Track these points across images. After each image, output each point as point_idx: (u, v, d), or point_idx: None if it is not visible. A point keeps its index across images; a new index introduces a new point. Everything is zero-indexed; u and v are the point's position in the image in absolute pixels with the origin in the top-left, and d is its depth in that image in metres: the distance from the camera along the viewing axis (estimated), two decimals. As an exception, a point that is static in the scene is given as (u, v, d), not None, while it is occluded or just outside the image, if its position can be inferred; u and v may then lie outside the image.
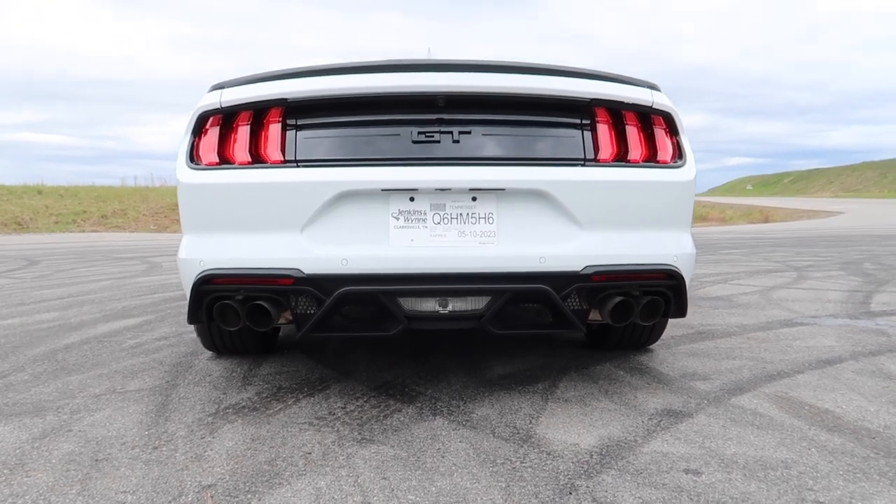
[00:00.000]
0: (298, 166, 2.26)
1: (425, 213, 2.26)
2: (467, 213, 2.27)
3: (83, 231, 20.63)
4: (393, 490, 1.74)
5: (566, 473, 1.84)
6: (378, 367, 2.97)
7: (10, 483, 1.80)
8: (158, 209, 25.06)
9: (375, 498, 1.69)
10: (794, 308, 4.59)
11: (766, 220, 23.92)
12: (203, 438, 2.12)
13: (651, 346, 3.36)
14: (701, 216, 34.81)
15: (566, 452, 1.99)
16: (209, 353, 3.26)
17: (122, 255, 10.17)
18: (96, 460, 1.95)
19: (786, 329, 3.86)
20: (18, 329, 4.00)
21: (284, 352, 3.29)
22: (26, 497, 1.71)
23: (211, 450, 2.02)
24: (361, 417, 2.32)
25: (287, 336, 3.69)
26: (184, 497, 1.70)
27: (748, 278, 6.34)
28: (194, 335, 3.68)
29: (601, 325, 3.25)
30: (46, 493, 1.74)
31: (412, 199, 2.26)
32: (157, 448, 2.04)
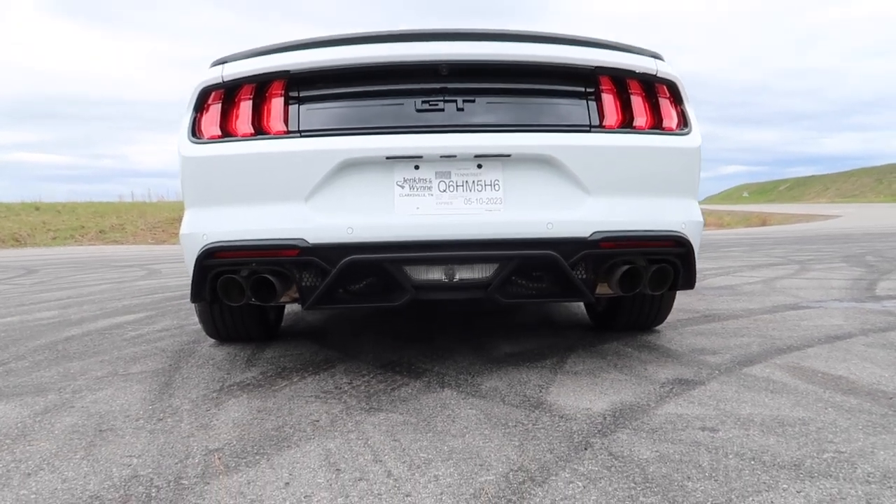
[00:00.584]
0: (302, 136, 2.24)
1: (430, 181, 2.23)
2: (473, 181, 2.24)
3: (81, 245, 20.58)
4: (405, 450, 1.70)
5: (580, 433, 1.80)
6: (383, 349, 2.93)
7: (13, 451, 1.76)
8: (156, 223, 25.01)
9: (387, 456, 1.65)
10: (799, 294, 4.56)
11: (764, 224, 23.94)
12: (208, 411, 2.08)
13: (657, 328, 3.33)
14: (699, 223, 34.86)
15: (579, 415, 1.96)
16: (212, 341, 3.22)
17: (121, 263, 10.13)
18: (100, 430, 1.91)
19: (792, 311, 3.84)
20: (18, 325, 3.96)
21: (288, 338, 3.25)
22: (29, 462, 1.67)
23: (217, 420, 1.98)
24: (368, 391, 2.28)
25: (290, 324, 3.65)
26: (190, 459, 1.66)
27: (751, 271, 6.32)
28: (197, 326, 3.64)
29: (607, 305, 3.23)
30: (50, 458, 1.70)
31: (417, 168, 2.23)
32: (161, 420, 2.00)
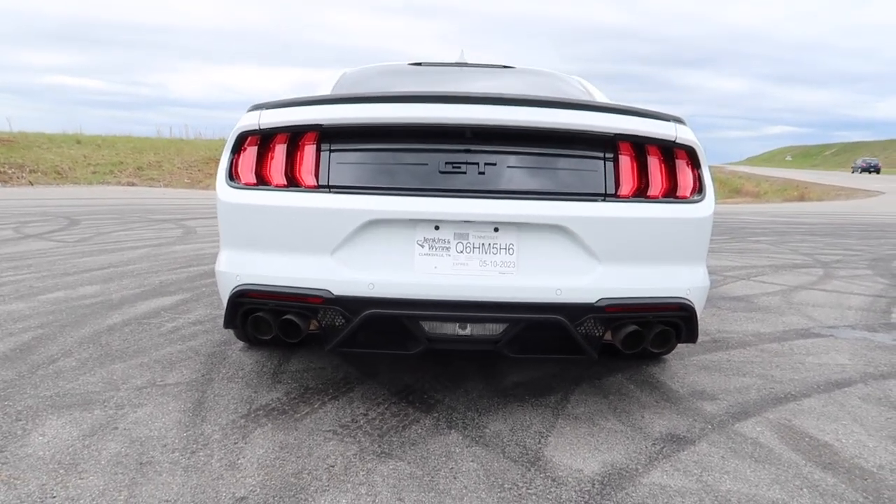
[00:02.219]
0: (331, 192, 2.38)
1: (449, 242, 2.37)
2: (489, 244, 2.37)
3: (120, 183, 21.11)
4: (407, 513, 1.91)
5: (568, 503, 1.98)
6: (400, 369, 3.13)
7: (66, 485, 2.00)
8: (192, 163, 25.47)
9: (391, 521, 1.86)
10: (814, 316, 4.63)
11: (802, 199, 23.46)
12: (236, 444, 2.31)
13: (665, 356, 3.47)
14: (735, 188, 34.19)
15: (570, 479, 2.14)
16: (241, 343, 3.46)
17: (158, 215, 10.47)
18: (141, 464, 2.15)
19: (801, 341, 3.93)
20: (64, 304, 4.24)
21: (312, 346, 3.46)
22: (80, 502, 1.91)
23: (243, 458, 2.21)
24: (382, 426, 2.49)
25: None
26: (219, 509, 1.89)
27: (772, 274, 6.35)
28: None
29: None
30: (98, 498, 1.94)
31: (437, 228, 2.37)
32: (194, 453, 2.23)
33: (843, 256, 7.85)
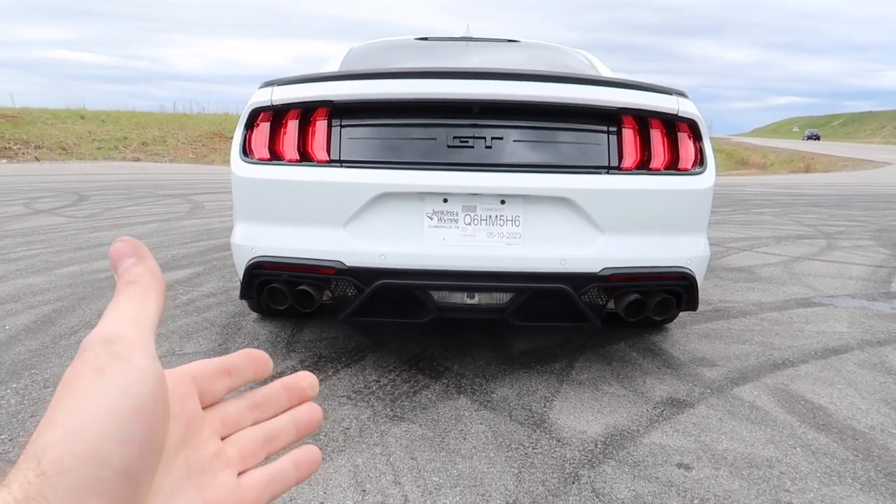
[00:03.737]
0: (343, 166, 2.45)
1: (457, 214, 2.45)
2: (496, 216, 2.45)
3: (125, 159, 21.17)
4: (420, 471, 2.02)
5: (572, 462, 2.09)
6: (409, 339, 3.23)
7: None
8: (196, 137, 25.45)
9: (405, 478, 1.97)
10: (814, 285, 4.71)
11: (808, 170, 23.39)
12: (255, 408, 2.42)
13: (667, 325, 3.56)
14: (742, 160, 34.06)
15: (574, 440, 2.24)
16: (255, 315, 3.56)
17: (164, 190, 10.56)
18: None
19: (801, 310, 4.02)
20: (80, 278, 4.35)
21: (324, 316, 3.57)
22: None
23: (263, 421, 2.32)
24: (394, 392, 2.60)
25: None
26: (243, 468, 2.00)
27: (775, 245, 6.42)
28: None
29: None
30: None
31: (445, 201, 2.45)
32: (216, 416, 2.35)
33: (846, 227, 7.90)
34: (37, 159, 19.76)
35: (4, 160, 19.28)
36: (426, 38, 4.05)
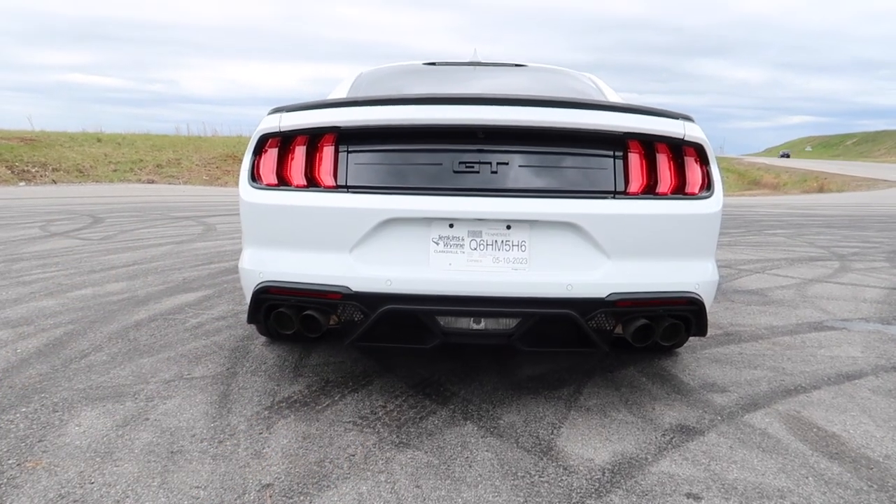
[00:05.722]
0: (349, 192, 2.47)
1: (463, 239, 2.45)
2: (502, 241, 2.45)
3: (140, 181, 21.42)
4: (425, 499, 2.00)
5: (578, 491, 2.06)
6: (417, 363, 3.22)
7: (103, 472, 2.12)
8: (210, 160, 25.75)
9: (409, 507, 1.96)
10: (828, 308, 4.65)
11: (821, 190, 23.23)
12: (261, 434, 2.42)
13: (677, 350, 3.53)
14: (754, 180, 33.90)
15: (581, 468, 2.22)
16: (263, 338, 3.57)
17: (177, 213, 10.65)
18: (171, 452, 2.26)
19: (814, 334, 3.97)
20: (92, 301, 4.39)
21: (332, 341, 3.57)
22: (117, 487, 2.03)
23: (268, 447, 2.31)
24: (400, 418, 2.58)
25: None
26: (247, 495, 2.00)
27: (788, 267, 6.37)
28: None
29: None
30: (133, 484, 2.05)
31: (451, 226, 2.45)
32: (221, 442, 2.34)
33: (860, 249, 7.82)
34: (54, 182, 20.05)
35: (23, 182, 19.59)
36: (434, 63, 4.09)
